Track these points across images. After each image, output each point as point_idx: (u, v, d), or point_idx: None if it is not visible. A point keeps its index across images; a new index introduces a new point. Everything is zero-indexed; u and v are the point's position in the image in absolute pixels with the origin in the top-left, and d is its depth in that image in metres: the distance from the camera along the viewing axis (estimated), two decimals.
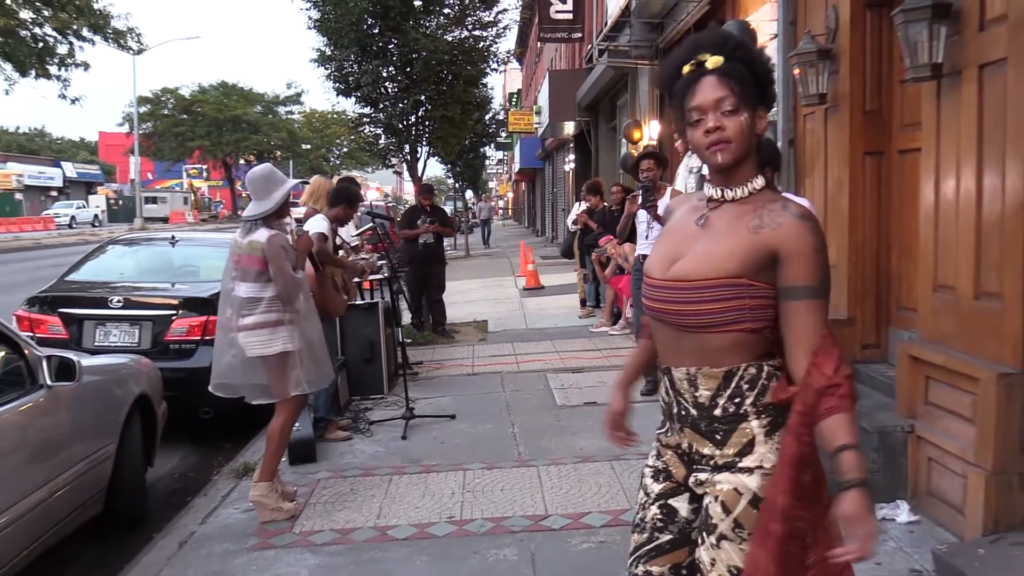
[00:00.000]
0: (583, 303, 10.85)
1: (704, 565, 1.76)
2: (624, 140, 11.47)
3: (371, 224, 7.05)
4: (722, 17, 7.43)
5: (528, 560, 3.61)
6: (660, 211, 6.12)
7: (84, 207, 47.72)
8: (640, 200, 5.91)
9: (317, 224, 5.50)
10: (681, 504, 1.85)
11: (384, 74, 16.10)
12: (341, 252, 5.95)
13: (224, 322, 4.22)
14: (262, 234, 4.15)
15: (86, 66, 22.29)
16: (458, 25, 16.38)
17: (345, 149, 50.01)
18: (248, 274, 4.15)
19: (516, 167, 38.14)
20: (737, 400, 1.74)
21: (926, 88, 3.97)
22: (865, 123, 4.87)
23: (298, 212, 5.93)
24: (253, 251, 4.14)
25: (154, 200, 50.06)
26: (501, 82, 44.83)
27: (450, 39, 16.09)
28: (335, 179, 6.31)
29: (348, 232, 6.71)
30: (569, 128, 20.33)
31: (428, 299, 9.44)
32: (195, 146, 46.76)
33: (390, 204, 33.00)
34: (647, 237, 6.27)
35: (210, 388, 4.26)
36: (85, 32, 21.47)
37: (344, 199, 5.76)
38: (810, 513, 1.72)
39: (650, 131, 10.54)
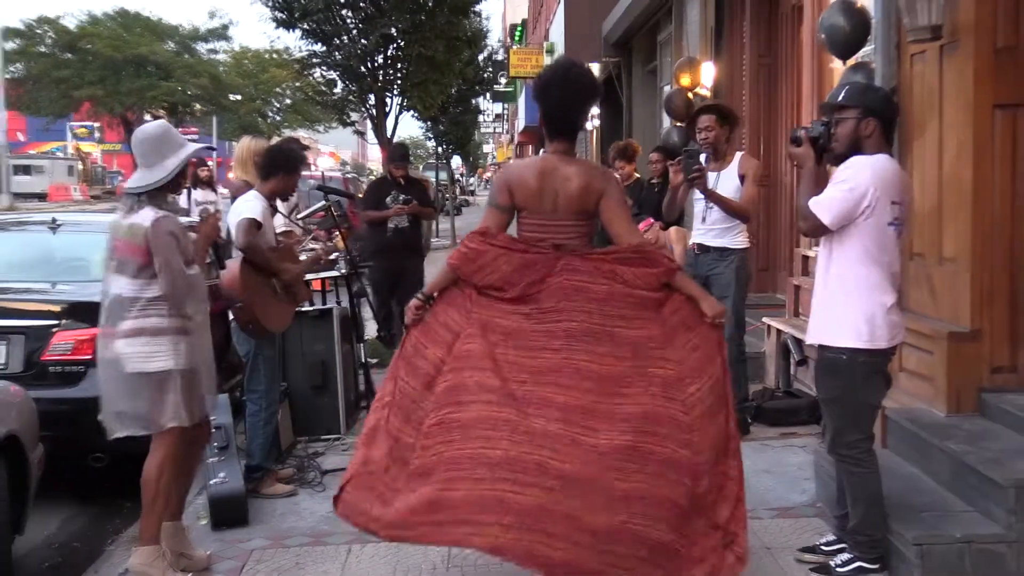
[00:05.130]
0: None
1: None
2: (668, 87, 11.46)
3: (323, 203, 7.05)
4: None
5: None
6: (713, 184, 6.11)
7: None
8: (683, 170, 5.87)
9: (247, 206, 5.43)
10: None
11: None
12: (282, 238, 5.94)
13: (104, 329, 4.32)
14: (146, 215, 4.23)
15: None
16: None
17: (288, 101, 49.93)
18: (127, 266, 4.24)
19: (520, 125, 38.11)
20: None
21: None
22: (996, 65, 4.88)
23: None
24: (134, 236, 4.22)
25: (27, 169, 50.06)
26: (500, 9, 44.89)
27: None
28: (275, 141, 6.32)
29: (282, 215, 6.71)
30: (593, 72, 20.32)
31: (400, 304, 9.44)
32: (83, 96, 46.62)
33: (349, 175, 32.88)
34: (704, 220, 6.24)
35: (100, 417, 4.32)
36: None
37: (279, 165, 5.62)
38: None
39: (703, 75, 10.52)
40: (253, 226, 5.29)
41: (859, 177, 3.98)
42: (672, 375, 3.72)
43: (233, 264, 5.28)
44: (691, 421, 3.67)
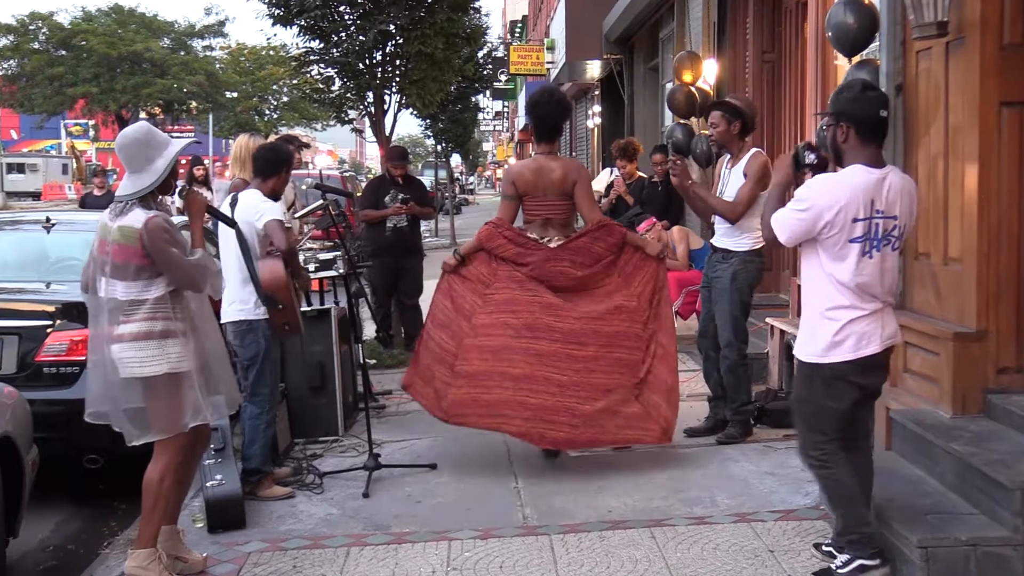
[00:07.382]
0: None
1: None
2: (670, 84, 11.46)
3: (321, 202, 7.04)
4: None
5: None
6: (725, 182, 6.15)
7: None
8: (670, 167, 6.16)
9: (268, 207, 5.44)
10: None
11: None
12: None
13: (98, 333, 4.33)
14: (137, 216, 4.24)
15: None
16: None
17: (285, 98, 49.93)
18: (125, 270, 4.25)
19: (520, 122, 38.17)
20: None
21: None
22: (1003, 62, 4.87)
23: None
24: (128, 239, 4.23)
25: (20, 168, 50.09)
26: (500, 6, 44.98)
27: None
28: (272, 140, 6.30)
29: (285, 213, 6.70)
30: (594, 70, 20.33)
31: (399, 304, 9.46)
32: (78, 94, 46.62)
33: (347, 174, 32.80)
34: (717, 219, 6.24)
35: (86, 415, 4.35)
36: None
37: (275, 163, 5.67)
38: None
39: (705, 72, 10.52)
40: (284, 226, 5.34)
41: (814, 199, 3.95)
42: (634, 305, 5.83)
43: (275, 265, 5.24)
44: (644, 334, 5.82)
